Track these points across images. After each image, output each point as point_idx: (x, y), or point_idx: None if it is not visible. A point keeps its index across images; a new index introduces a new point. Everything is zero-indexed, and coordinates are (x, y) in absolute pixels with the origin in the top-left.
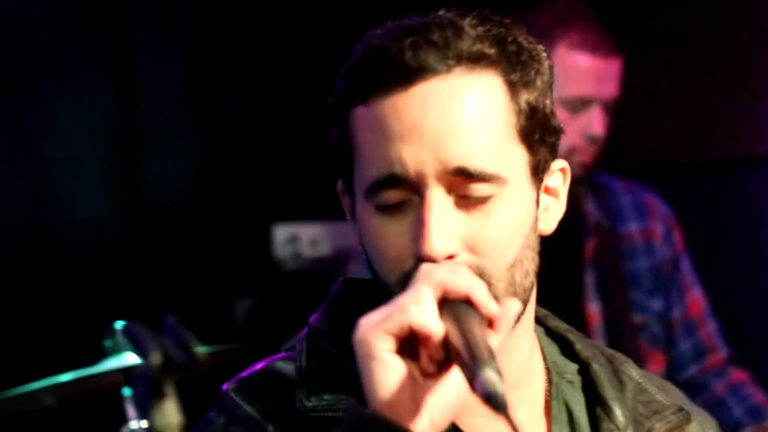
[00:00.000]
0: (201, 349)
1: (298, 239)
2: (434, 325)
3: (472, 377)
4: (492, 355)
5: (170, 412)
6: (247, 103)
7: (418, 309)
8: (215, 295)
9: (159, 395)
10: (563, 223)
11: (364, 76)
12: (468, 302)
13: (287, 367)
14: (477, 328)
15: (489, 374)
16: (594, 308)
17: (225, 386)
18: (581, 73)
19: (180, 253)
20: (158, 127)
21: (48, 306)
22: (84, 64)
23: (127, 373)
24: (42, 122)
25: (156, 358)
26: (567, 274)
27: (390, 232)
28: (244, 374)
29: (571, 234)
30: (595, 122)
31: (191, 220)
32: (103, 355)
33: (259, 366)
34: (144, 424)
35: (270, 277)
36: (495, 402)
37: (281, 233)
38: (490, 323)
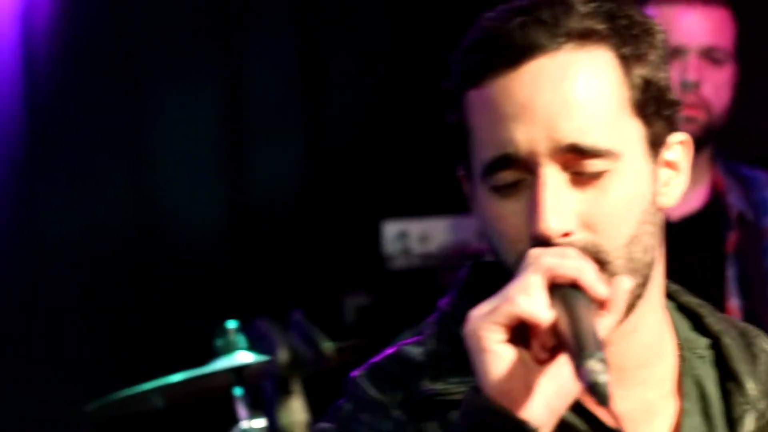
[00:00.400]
0: (328, 345)
1: (407, 235)
2: (542, 314)
3: (577, 367)
4: (598, 342)
5: (297, 409)
6: (355, 100)
7: (525, 298)
8: (324, 294)
9: (286, 392)
10: (704, 214)
11: (475, 60)
12: (577, 286)
13: (416, 351)
14: (584, 314)
15: (592, 364)
16: (735, 304)
17: (354, 373)
18: (668, 23)
19: (288, 251)
20: (266, 125)
21: (157, 306)
22: (192, 62)
23: (238, 372)
24: (150, 121)
25: (284, 354)
26: (708, 268)
27: (506, 213)
28: (373, 360)
29: (713, 226)
30: (688, 69)
31: (299, 218)
32: (213, 354)
33: (388, 351)
34: (255, 424)
35: (379, 275)
36: (597, 392)
37: (390, 229)
38: (601, 305)
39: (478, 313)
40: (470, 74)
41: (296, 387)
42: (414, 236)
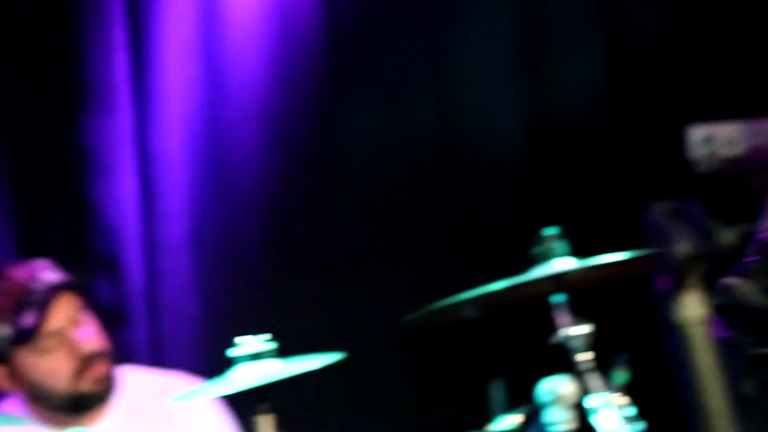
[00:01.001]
0: (728, 235)
1: (713, 139)
2: None
3: None
4: None
5: (693, 304)
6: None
7: None
8: (627, 200)
9: (683, 287)
10: None
11: None
12: None
13: None
14: None
15: None
16: None
17: (761, 235)
18: None
19: (592, 158)
20: (565, 29)
21: (468, 216)
22: None
23: (556, 279)
24: (449, 37)
25: (683, 248)
26: None
27: None
28: None
29: None
30: None
31: (602, 125)
32: (530, 263)
33: None
34: (576, 331)
35: (685, 180)
36: None
37: (697, 134)
38: None
39: None
40: None
41: (695, 281)
42: (720, 140)
